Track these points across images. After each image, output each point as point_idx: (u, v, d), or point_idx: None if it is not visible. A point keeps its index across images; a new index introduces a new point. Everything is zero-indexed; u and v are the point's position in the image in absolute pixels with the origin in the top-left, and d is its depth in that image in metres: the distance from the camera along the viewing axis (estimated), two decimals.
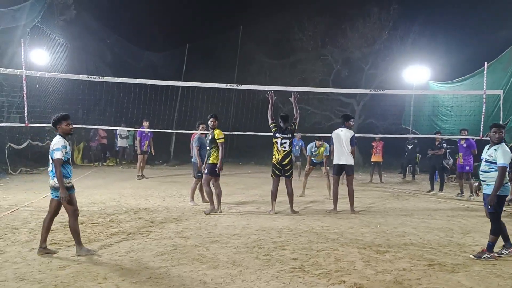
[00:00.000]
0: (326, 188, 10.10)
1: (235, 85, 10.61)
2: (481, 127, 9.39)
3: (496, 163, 5.06)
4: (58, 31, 15.05)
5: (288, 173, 7.73)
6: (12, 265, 4.49)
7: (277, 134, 7.70)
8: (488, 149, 5.30)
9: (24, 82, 8.73)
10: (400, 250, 5.36)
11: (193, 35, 23.38)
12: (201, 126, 8.63)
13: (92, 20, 18.57)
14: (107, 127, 14.42)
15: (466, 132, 10.59)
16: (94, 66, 17.85)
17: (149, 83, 9.92)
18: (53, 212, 4.99)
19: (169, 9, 25.28)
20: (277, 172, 7.72)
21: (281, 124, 7.71)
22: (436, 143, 11.62)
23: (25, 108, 8.65)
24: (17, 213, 7.21)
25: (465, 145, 10.68)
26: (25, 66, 8.87)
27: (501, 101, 9.72)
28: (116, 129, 15.72)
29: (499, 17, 18.88)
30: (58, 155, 4.75)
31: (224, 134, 7.82)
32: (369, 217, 7.59)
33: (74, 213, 4.89)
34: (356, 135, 8.52)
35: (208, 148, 7.77)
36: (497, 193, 5.00)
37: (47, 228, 4.96)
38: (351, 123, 8.44)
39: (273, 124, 7.78)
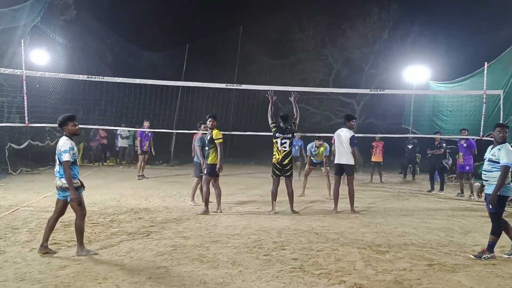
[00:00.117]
0: (326, 188, 10.11)
1: (235, 85, 10.64)
2: (481, 127, 9.40)
3: (499, 163, 5.05)
4: (58, 31, 15.07)
5: (288, 173, 7.74)
6: (12, 265, 4.49)
7: (277, 134, 7.69)
8: (491, 148, 5.29)
9: (24, 82, 8.74)
10: (400, 250, 5.36)
11: (193, 35, 23.41)
12: (202, 126, 8.62)
13: (92, 20, 18.58)
14: (107, 127, 14.42)
15: (466, 132, 10.60)
16: (94, 66, 17.82)
17: (149, 83, 9.94)
18: (59, 212, 4.99)
19: (169, 9, 25.31)
20: (277, 172, 7.72)
21: (281, 124, 7.71)
22: (436, 143, 11.63)
23: (25, 108, 8.65)
24: (17, 213, 7.21)
25: (465, 145, 10.68)
26: (25, 66, 8.89)
27: (501, 101, 9.74)
28: (117, 129, 15.73)
29: (499, 17, 18.86)
30: (66, 157, 4.76)
31: (224, 134, 7.83)
32: (369, 217, 7.59)
33: (81, 214, 4.90)
34: (356, 135, 8.51)
35: (206, 148, 7.77)
36: (499, 193, 4.98)
37: (51, 227, 4.97)
38: (353, 123, 8.42)
39: (273, 124, 7.78)
